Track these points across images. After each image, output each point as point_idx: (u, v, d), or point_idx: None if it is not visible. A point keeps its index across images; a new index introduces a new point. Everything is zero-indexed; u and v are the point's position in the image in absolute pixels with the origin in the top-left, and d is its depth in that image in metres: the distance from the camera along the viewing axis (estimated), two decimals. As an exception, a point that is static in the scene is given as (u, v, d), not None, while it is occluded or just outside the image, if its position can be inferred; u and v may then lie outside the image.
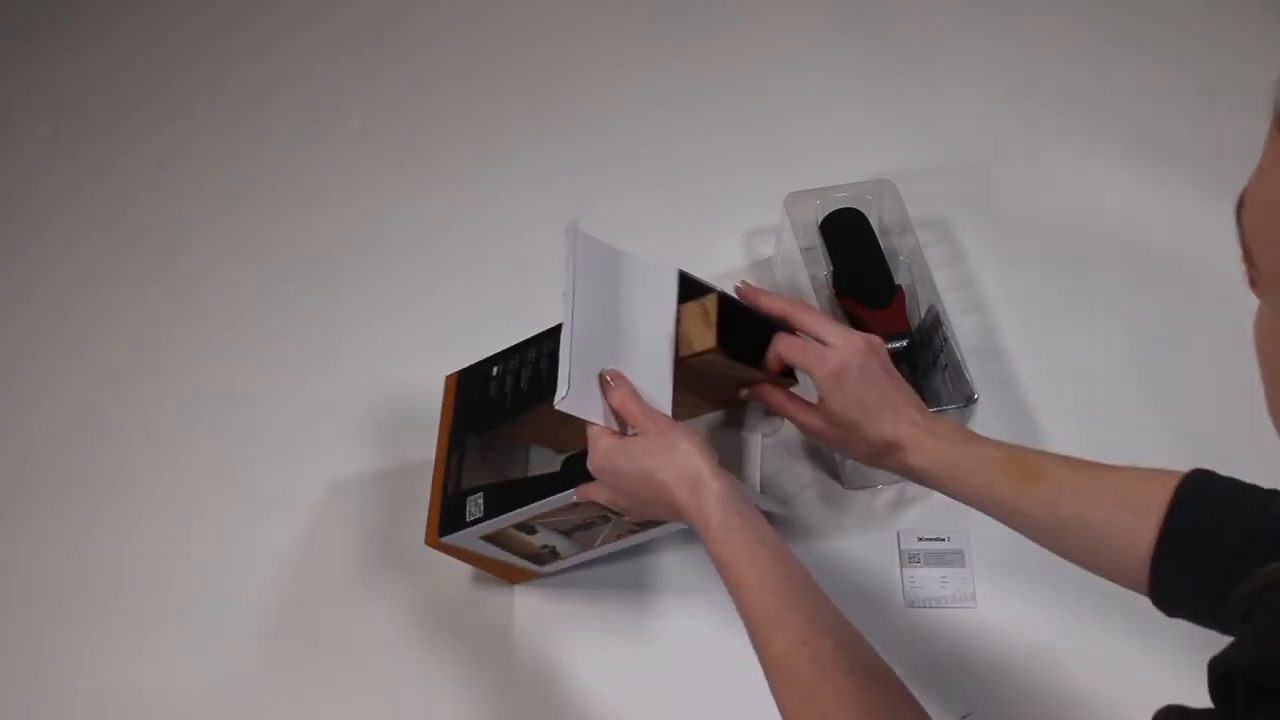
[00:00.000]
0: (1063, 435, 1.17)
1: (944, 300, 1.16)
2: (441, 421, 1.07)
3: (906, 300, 1.19)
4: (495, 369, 1.05)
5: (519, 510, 0.95)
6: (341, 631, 1.08)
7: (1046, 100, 1.42)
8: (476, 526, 0.97)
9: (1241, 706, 0.54)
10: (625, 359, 0.92)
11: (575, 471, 0.92)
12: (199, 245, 1.33)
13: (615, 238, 1.26)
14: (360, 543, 1.13)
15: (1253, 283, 0.52)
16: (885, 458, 0.92)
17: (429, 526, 1.01)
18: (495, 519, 0.96)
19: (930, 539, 1.11)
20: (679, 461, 0.85)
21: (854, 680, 0.75)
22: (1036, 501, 0.85)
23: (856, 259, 1.21)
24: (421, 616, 1.09)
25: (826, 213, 1.24)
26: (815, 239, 1.24)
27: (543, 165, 1.38)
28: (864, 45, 1.48)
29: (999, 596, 1.07)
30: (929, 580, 1.09)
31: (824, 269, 1.23)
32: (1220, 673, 0.56)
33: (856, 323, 1.18)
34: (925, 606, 1.08)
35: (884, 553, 1.11)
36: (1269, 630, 0.55)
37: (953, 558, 1.10)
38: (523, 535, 1.00)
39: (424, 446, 1.07)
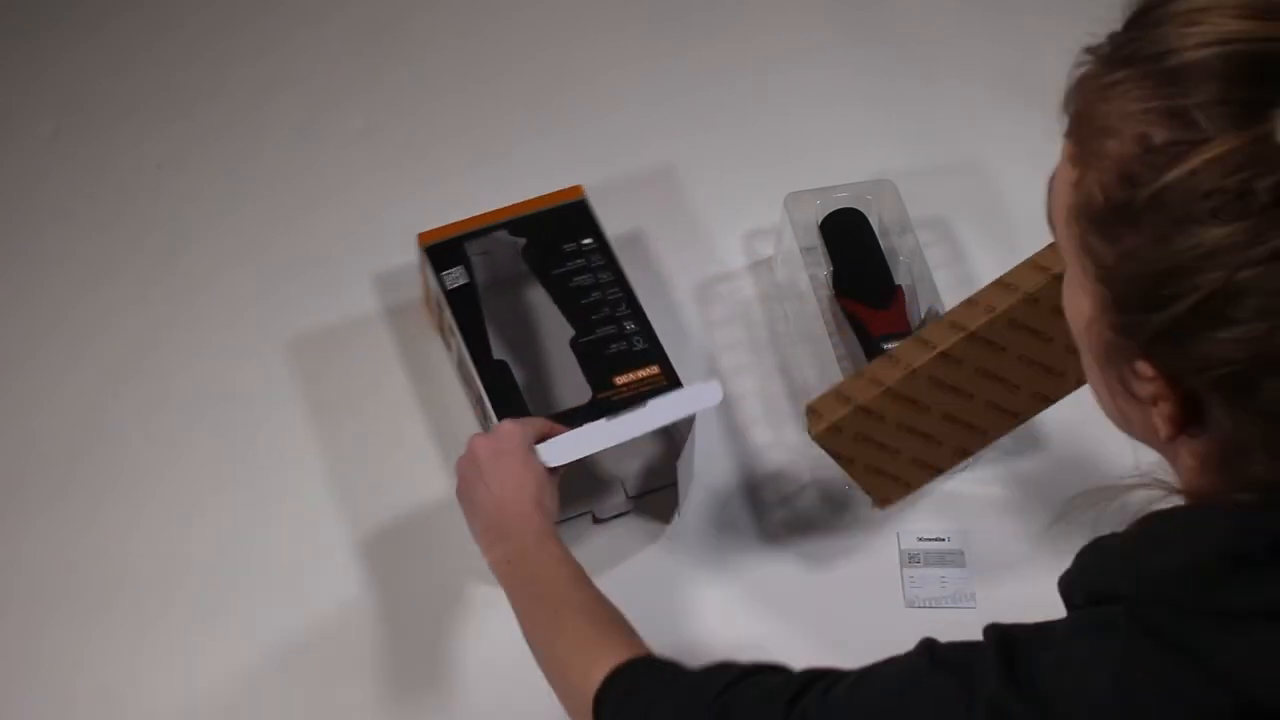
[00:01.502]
0: (1061, 435, 1.17)
1: (944, 300, 1.16)
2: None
3: (906, 300, 1.19)
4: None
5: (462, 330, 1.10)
6: (344, 630, 1.08)
7: (1046, 100, 1.42)
8: (444, 282, 1.13)
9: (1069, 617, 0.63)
10: None
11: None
12: (199, 245, 1.33)
13: (615, 238, 1.27)
14: (361, 541, 1.13)
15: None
16: None
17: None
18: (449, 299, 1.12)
19: (930, 539, 1.12)
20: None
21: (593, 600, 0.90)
22: None
23: (856, 259, 1.22)
24: (421, 613, 1.09)
25: (826, 213, 1.24)
26: (815, 239, 1.24)
27: (543, 165, 1.37)
28: (864, 45, 1.48)
29: (999, 596, 1.07)
30: (929, 580, 1.09)
31: (824, 269, 1.23)
32: (1061, 591, 0.65)
33: (856, 323, 1.18)
34: (925, 606, 1.08)
35: (884, 553, 1.11)
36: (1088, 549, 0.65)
37: (953, 558, 1.11)
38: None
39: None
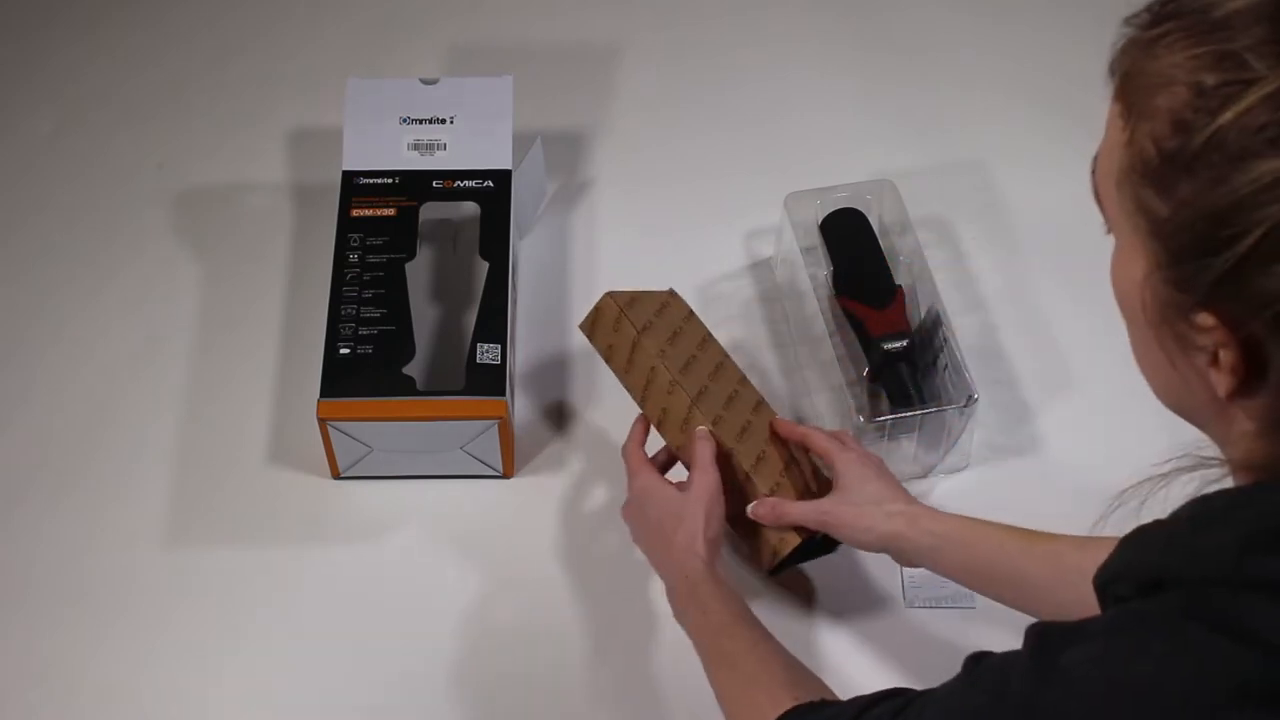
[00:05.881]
0: (1062, 435, 1.18)
1: (944, 300, 1.16)
2: None
3: (906, 300, 1.19)
4: None
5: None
6: (350, 629, 1.09)
7: (1046, 99, 1.42)
8: None
9: (1109, 609, 0.63)
10: None
11: None
12: (200, 245, 1.33)
13: (616, 238, 1.27)
14: (360, 543, 1.13)
15: (1108, 230, 0.64)
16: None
17: None
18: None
19: (930, 539, 1.11)
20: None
21: (790, 675, 0.87)
22: (1038, 557, 0.92)
23: (856, 259, 1.22)
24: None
25: (826, 213, 1.24)
26: (815, 239, 1.24)
27: (546, 165, 1.37)
28: (864, 45, 1.49)
29: (999, 596, 1.07)
30: (929, 580, 1.09)
31: (824, 269, 1.23)
32: (1099, 584, 0.65)
33: (856, 323, 1.18)
34: (925, 606, 1.08)
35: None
36: (1132, 539, 0.65)
37: (952, 557, 1.10)
38: None
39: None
